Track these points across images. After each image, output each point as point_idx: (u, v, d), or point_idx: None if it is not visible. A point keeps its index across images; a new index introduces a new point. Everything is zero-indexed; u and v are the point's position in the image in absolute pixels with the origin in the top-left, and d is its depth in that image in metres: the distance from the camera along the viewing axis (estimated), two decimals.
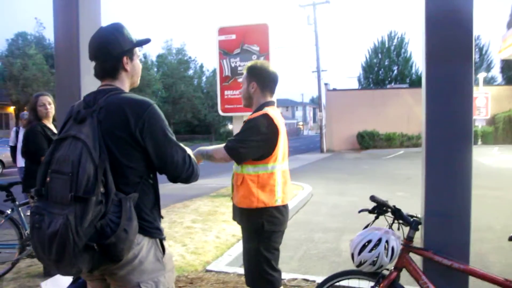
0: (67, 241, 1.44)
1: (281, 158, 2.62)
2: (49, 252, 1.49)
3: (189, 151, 1.87)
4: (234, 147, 2.51)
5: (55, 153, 1.61)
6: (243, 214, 2.63)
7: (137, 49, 1.88)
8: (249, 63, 2.79)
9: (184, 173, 1.77)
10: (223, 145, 2.56)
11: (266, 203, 2.53)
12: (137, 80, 1.92)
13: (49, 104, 4.15)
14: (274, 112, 2.59)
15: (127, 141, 1.66)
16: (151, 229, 1.74)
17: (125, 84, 1.83)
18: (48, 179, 1.58)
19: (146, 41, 1.90)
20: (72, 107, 1.78)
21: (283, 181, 2.64)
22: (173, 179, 1.78)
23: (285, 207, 2.65)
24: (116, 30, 1.79)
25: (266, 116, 2.52)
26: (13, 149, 6.17)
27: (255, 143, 2.50)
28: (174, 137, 1.77)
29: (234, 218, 2.81)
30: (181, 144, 1.81)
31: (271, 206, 2.54)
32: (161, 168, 1.76)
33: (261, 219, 2.54)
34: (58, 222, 1.46)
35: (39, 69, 28.33)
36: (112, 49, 1.76)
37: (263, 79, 2.67)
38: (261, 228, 2.54)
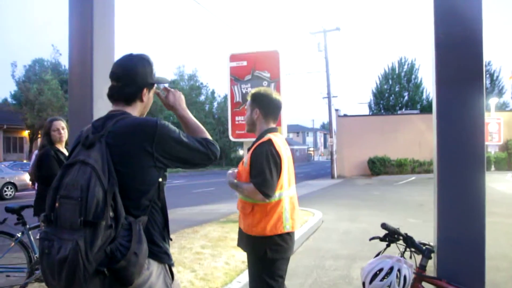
0: (77, 266, 1.43)
1: (287, 185, 2.64)
2: (59, 278, 1.48)
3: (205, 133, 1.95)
4: (262, 182, 2.49)
5: (64, 179, 1.61)
6: (248, 241, 2.64)
7: (155, 84, 1.94)
8: (253, 90, 2.84)
9: (211, 156, 1.85)
10: (251, 187, 2.54)
11: (272, 231, 2.53)
12: (145, 113, 1.97)
13: (63, 128, 4.22)
14: (276, 138, 2.63)
15: (140, 163, 1.67)
16: (160, 253, 1.73)
17: (136, 112, 1.86)
18: (57, 204, 1.57)
19: (166, 81, 2.00)
20: (80, 133, 1.80)
21: (291, 207, 2.65)
22: (206, 164, 1.90)
23: (289, 234, 2.64)
24: (147, 61, 1.86)
25: (270, 143, 2.56)
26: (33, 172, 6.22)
27: (274, 168, 2.53)
28: (187, 139, 1.80)
29: (239, 245, 2.80)
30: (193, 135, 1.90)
31: (274, 234, 2.54)
32: (191, 166, 1.87)
33: (264, 247, 2.54)
34: (68, 247, 1.45)
35: (54, 94, 28.94)
36: (138, 77, 1.81)
37: (266, 106, 2.73)
38: (264, 255, 2.54)
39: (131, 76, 1.80)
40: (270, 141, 2.57)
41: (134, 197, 1.66)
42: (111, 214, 1.53)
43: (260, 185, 2.48)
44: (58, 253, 1.47)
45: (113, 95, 1.85)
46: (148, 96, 1.90)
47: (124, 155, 1.65)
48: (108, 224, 1.51)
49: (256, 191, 2.49)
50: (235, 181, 2.65)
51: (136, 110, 1.86)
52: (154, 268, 1.69)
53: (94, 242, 1.46)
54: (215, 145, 1.89)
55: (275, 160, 2.53)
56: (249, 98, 2.81)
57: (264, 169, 2.50)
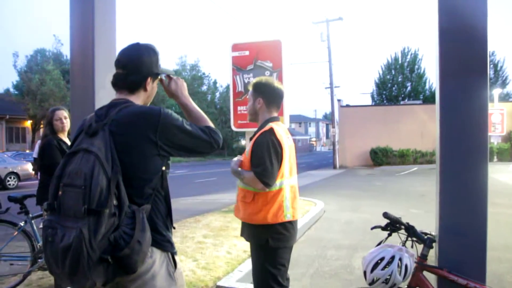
0: (81, 254, 1.44)
1: (288, 174, 2.66)
2: (63, 265, 1.48)
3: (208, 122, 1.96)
4: (262, 171, 2.51)
5: (67, 167, 1.61)
6: (249, 230, 2.67)
7: (160, 75, 1.94)
8: (254, 80, 2.84)
9: (214, 144, 1.85)
10: (252, 175, 2.55)
11: (273, 219, 2.55)
12: (149, 102, 1.96)
13: (65, 118, 4.22)
14: (278, 127, 2.64)
15: (143, 151, 1.67)
16: (163, 242, 1.74)
17: (139, 101, 1.85)
18: (60, 192, 1.58)
19: (171, 72, 2.01)
20: (83, 121, 1.79)
21: (292, 196, 2.67)
22: (209, 152, 1.91)
23: (291, 223, 2.65)
24: (153, 51, 1.87)
25: (271, 131, 2.57)
26: (37, 161, 6.25)
27: (274, 157, 2.54)
28: (190, 127, 1.80)
29: (242, 234, 2.81)
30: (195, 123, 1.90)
31: (276, 223, 2.56)
32: (194, 155, 1.93)
33: (266, 236, 2.56)
34: (72, 235, 1.46)
35: (56, 84, 28.92)
36: (143, 66, 1.81)
37: (269, 95, 2.74)
38: (266, 244, 2.56)
39: (136, 64, 1.81)
40: (271, 130, 2.58)
41: (137, 186, 1.66)
42: (114, 202, 1.53)
43: (261, 174, 2.49)
44: (62, 241, 1.48)
45: (117, 83, 1.84)
46: (152, 86, 1.90)
47: (127, 144, 1.65)
48: (112, 212, 1.51)
49: (256, 179, 2.50)
50: (238, 169, 2.65)
51: (139, 99, 1.85)
52: (157, 256, 1.69)
53: (98, 230, 1.47)
54: (218, 133, 1.88)
55: (276, 149, 2.55)
56: (250, 88, 2.81)
57: (265, 158, 2.51)
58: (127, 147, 1.65)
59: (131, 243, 1.52)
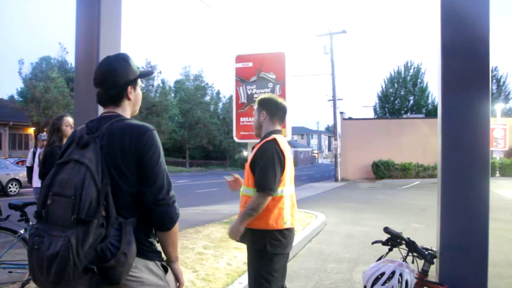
0: (67, 263, 1.45)
1: (289, 183, 2.78)
2: (48, 273, 1.49)
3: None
4: (264, 182, 2.61)
5: (57, 176, 1.63)
6: (248, 234, 2.73)
7: (139, 79, 1.94)
8: (258, 98, 3.00)
9: (167, 199, 1.70)
10: (254, 195, 2.64)
11: (273, 226, 2.65)
12: (137, 109, 1.98)
13: (73, 124, 4.24)
14: (281, 138, 2.78)
15: (127, 165, 1.68)
16: (149, 252, 1.76)
17: (126, 111, 1.88)
18: (49, 201, 1.59)
19: (149, 73, 2.04)
20: (74, 132, 1.84)
21: (291, 204, 2.79)
22: (155, 201, 1.68)
23: (289, 230, 2.75)
24: (123, 60, 1.86)
25: (275, 141, 2.71)
26: (30, 170, 6.25)
27: (278, 164, 2.65)
28: (165, 167, 1.76)
29: (241, 240, 2.84)
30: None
31: (275, 229, 2.65)
32: (147, 189, 1.69)
33: (264, 241, 2.65)
34: (59, 244, 1.48)
35: (60, 92, 29.03)
36: (119, 78, 1.82)
37: (272, 108, 2.88)
38: (264, 249, 2.64)
39: (111, 78, 1.82)
40: (275, 139, 2.72)
41: (124, 199, 1.68)
42: (103, 213, 1.56)
43: (264, 181, 2.60)
44: (49, 249, 1.49)
45: (101, 101, 1.88)
46: (135, 93, 1.91)
47: (116, 158, 1.67)
48: (100, 223, 1.54)
49: (260, 196, 2.59)
50: (238, 219, 2.68)
51: (126, 110, 1.88)
52: (142, 265, 1.70)
53: (86, 240, 1.49)
54: (177, 211, 1.75)
55: (279, 157, 2.67)
56: (256, 105, 2.95)
57: (267, 165, 2.62)
58: (115, 161, 1.67)
59: (117, 255, 1.54)
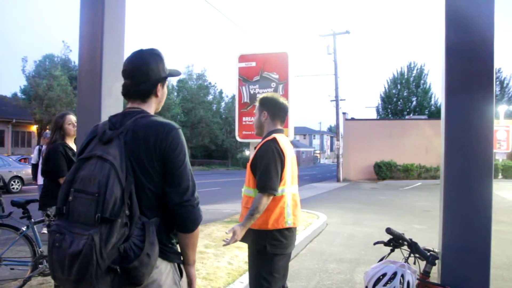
0: (90, 262, 1.42)
1: (290, 182, 2.77)
2: (69, 272, 1.45)
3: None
4: (265, 182, 2.61)
5: (79, 172, 1.58)
6: (249, 234, 2.71)
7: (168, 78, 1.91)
8: (260, 96, 2.99)
9: (192, 201, 1.68)
10: (256, 196, 2.63)
11: (274, 225, 2.64)
12: (160, 107, 1.94)
13: (76, 122, 4.23)
14: (281, 137, 2.78)
15: (152, 164, 1.64)
16: (170, 253, 1.72)
17: (151, 108, 1.84)
18: (70, 198, 1.55)
19: (178, 73, 1.96)
20: (96, 127, 1.77)
21: (293, 203, 2.77)
22: (180, 202, 1.66)
23: (289, 230, 2.73)
24: (157, 56, 1.82)
25: (274, 140, 2.71)
26: (35, 167, 6.27)
27: (278, 164, 2.65)
28: (190, 167, 1.74)
29: (242, 239, 2.82)
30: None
31: (276, 229, 2.64)
32: (172, 190, 1.67)
33: (264, 242, 2.64)
34: (81, 242, 1.43)
35: (63, 90, 29.10)
36: (151, 74, 1.78)
37: (273, 108, 2.88)
38: (264, 249, 2.64)
39: (145, 73, 1.77)
40: (274, 139, 2.72)
41: (146, 197, 1.64)
42: (126, 212, 1.52)
43: (264, 181, 2.60)
44: (71, 247, 1.45)
45: (128, 94, 1.81)
46: (162, 91, 1.87)
47: (140, 155, 1.63)
48: (124, 222, 1.50)
49: (261, 197, 2.58)
50: (243, 224, 2.63)
51: (151, 106, 1.84)
52: (163, 267, 1.68)
53: (109, 239, 1.45)
54: (200, 212, 1.72)
55: (279, 156, 2.66)
56: (257, 104, 2.94)
57: (267, 164, 2.62)
58: (139, 159, 1.63)
59: (141, 255, 1.50)
